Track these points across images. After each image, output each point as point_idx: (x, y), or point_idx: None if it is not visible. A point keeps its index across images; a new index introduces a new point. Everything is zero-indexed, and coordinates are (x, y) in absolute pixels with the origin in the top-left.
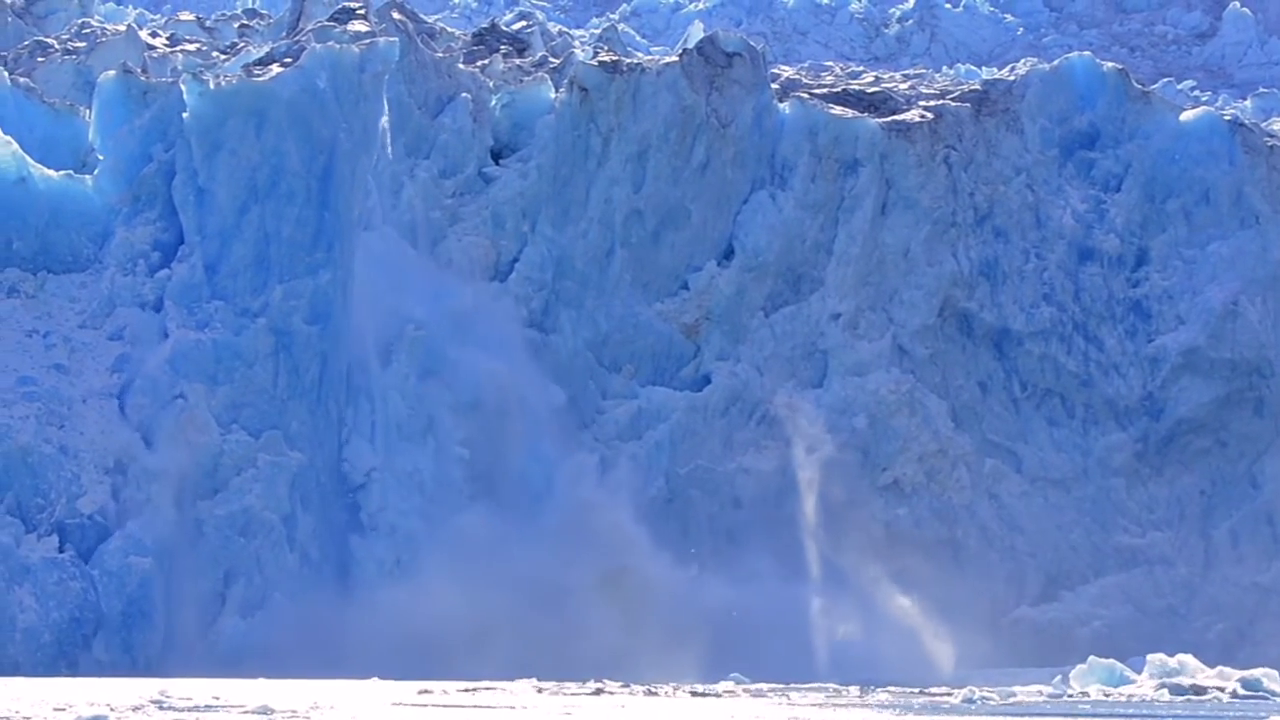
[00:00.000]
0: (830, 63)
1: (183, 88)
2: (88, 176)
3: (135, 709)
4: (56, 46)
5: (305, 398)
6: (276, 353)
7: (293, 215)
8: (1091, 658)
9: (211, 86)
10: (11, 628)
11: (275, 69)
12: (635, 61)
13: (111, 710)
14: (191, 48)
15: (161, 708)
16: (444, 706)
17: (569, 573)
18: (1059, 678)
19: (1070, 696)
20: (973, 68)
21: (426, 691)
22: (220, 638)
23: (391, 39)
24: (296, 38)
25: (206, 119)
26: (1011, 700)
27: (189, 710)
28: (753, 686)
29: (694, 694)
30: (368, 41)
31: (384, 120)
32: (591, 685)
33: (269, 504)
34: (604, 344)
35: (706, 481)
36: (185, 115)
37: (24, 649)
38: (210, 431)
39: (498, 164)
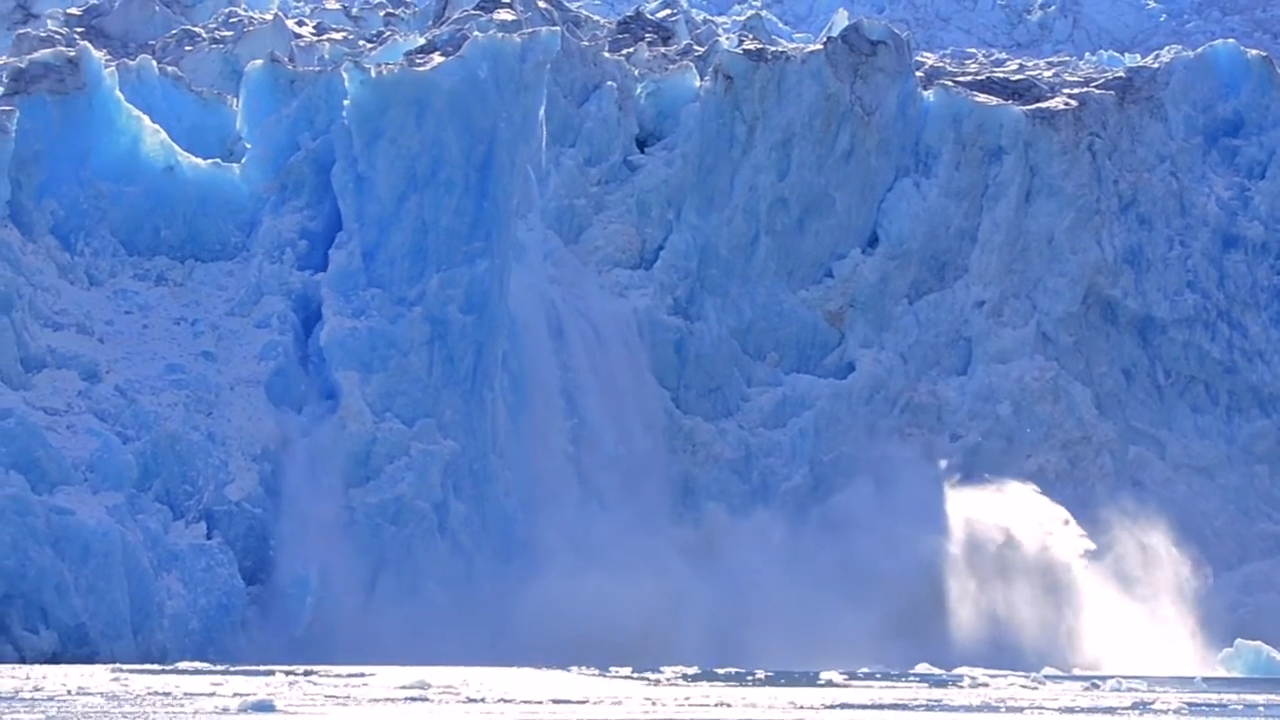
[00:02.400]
0: (973, 49)
1: (344, 76)
2: (235, 165)
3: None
4: (204, 36)
5: (459, 386)
6: (431, 341)
7: (451, 204)
8: (1239, 641)
9: (373, 75)
10: (160, 614)
11: (436, 58)
12: (780, 50)
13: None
14: (338, 36)
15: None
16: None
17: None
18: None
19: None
20: (1115, 54)
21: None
22: (371, 623)
23: (554, 28)
24: (444, 25)
25: (367, 107)
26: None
27: (344, 687)
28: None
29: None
30: (529, 31)
31: (542, 109)
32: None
33: (421, 492)
34: (748, 331)
35: (851, 468)
36: (346, 103)
37: (172, 635)
38: (364, 420)
39: (643, 152)
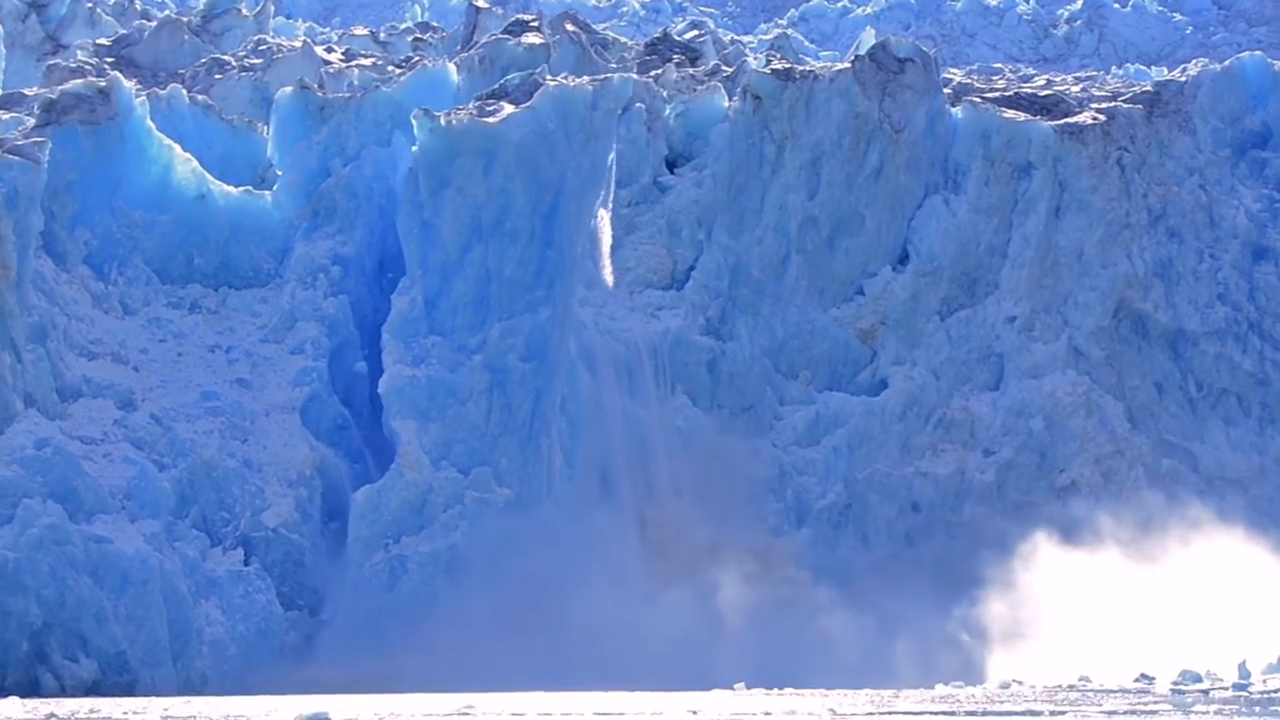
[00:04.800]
0: (1000, 64)
1: (414, 124)
2: (266, 192)
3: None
4: (233, 63)
5: (517, 434)
6: (490, 390)
7: (515, 255)
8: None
9: (442, 124)
10: (199, 640)
11: (507, 109)
12: (808, 69)
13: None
14: (367, 62)
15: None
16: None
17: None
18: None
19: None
20: (1142, 67)
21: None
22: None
23: (627, 75)
24: (472, 49)
25: (435, 155)
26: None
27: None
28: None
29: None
30: (602, 78)
31: (611, 156)
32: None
33: (474, 541)
34: (780, 350)
35: (884, 486)
36: (414, 150)
37: (211, 662)
38: (422, 469)
39: (672, 173)
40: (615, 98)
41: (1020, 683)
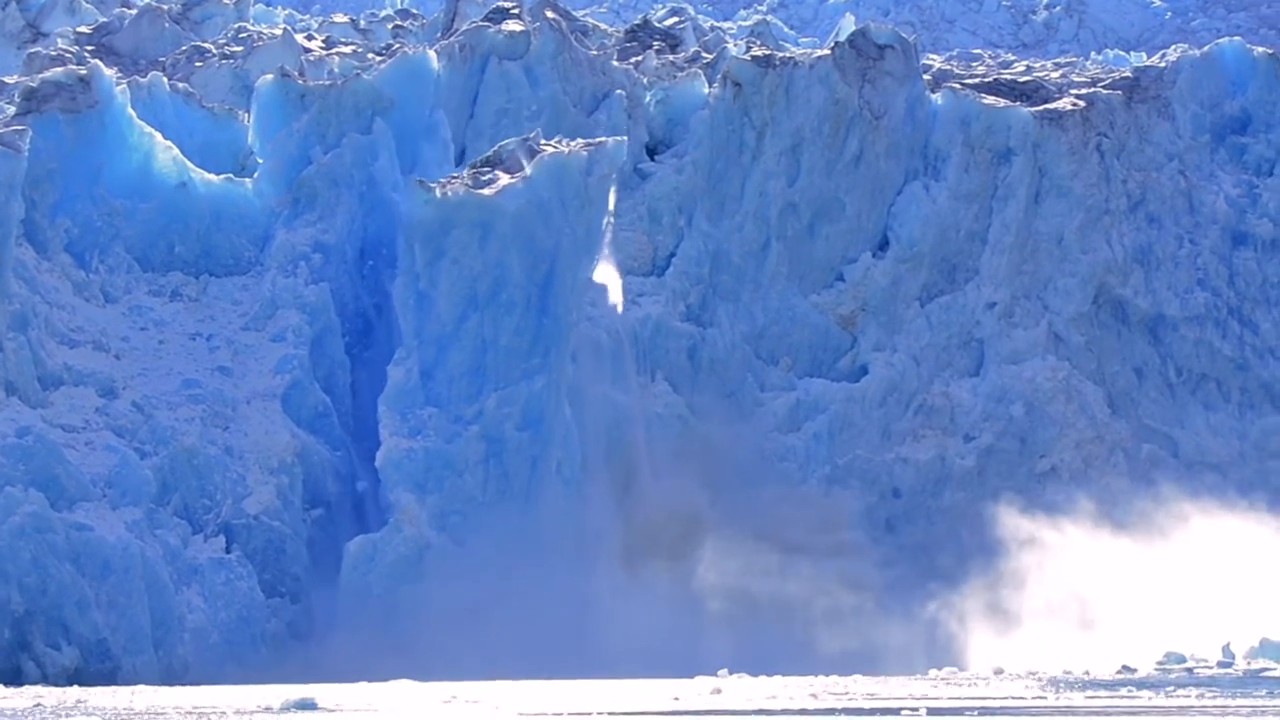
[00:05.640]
0: (979, 51)
1: (409, 192)
2: (247, 180)
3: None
4: (214, 51)
5: (514, 501)
6: (487, 460)
7: (511, 325)
8: (1263, 636)
9: (437, 195)
10: (180, 628)
11: (502, 178)
12: (788, 56)
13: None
14: (347, 50)
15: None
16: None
17: None
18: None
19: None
20: (1121, 53)
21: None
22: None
23: (620, 139)
24: (452, 37)
25: (430, 226)
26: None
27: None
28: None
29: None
30: (596, 142)
31: (606, 219)
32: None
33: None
34: (761, 337)
35: (865, 472)
36: (409, 220)
37: (192, 649)
38: (419, 526)
39: (653, 160)
40: (610, 162)
41: (1003, 671)
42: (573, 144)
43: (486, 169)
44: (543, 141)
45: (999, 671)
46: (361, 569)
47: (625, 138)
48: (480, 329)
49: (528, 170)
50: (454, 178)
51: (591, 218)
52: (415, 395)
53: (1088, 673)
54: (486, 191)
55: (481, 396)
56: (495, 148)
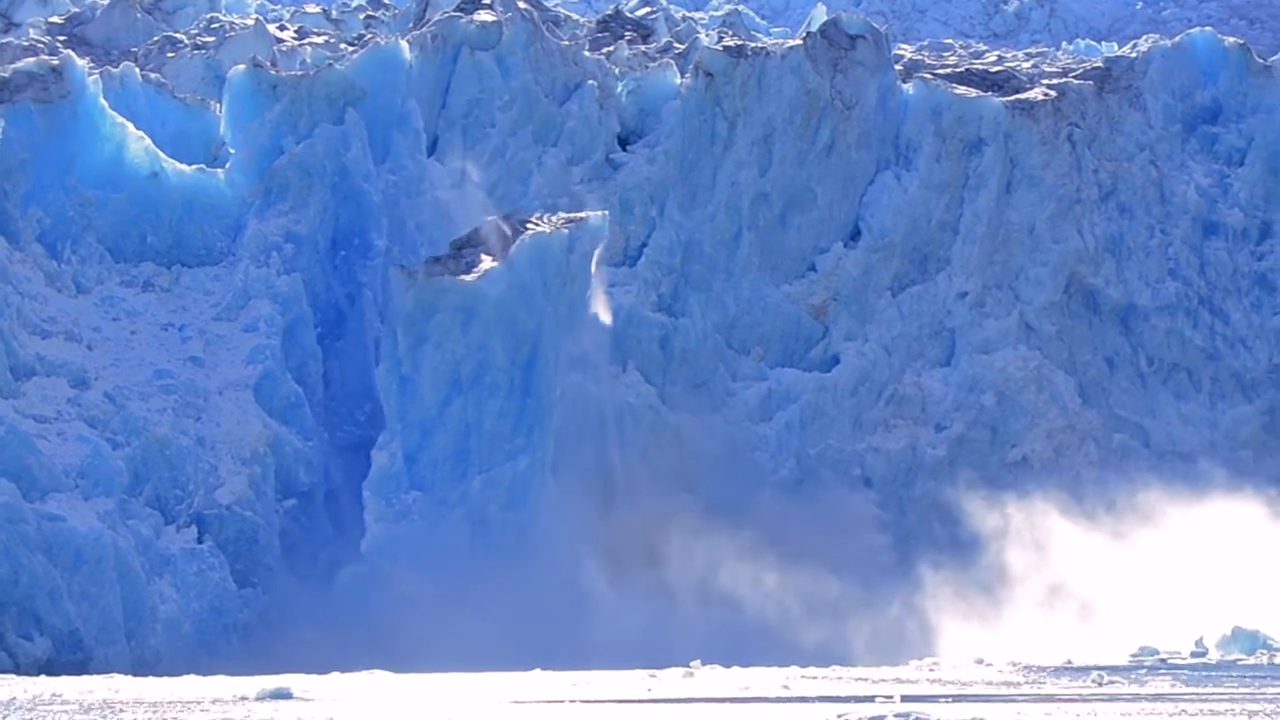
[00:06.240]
0: (950, 40)
1: (391, 277)
2: (219, 170)
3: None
4: (186, 42)
5: (499, 578)
6: (472, 542)
7: (495, 407)
8: (1235, 625)
9: (420, 280)
10: (152, 618)
11: (485, 262)
12: (760, 46)
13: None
14: (319, 40)
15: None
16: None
17: None
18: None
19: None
20: (1093, 43)
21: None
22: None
23: (601, 214)
24: (424, 27)
25: (413, 312)
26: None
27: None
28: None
29: None
30: (579, 217)
31: (589, 292)
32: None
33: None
34: (733, 327)
35: (836, 461)
36: (392, 305)
37: (165, 640)
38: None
39: (625, 150)
40: (592, 239)
41: (983, 661)
42: (555, 219)
43: (469, 249)
44: (525, 219)
45: (980, 661)
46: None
47: (606, 212)
48: (464, 412)
49: (510, 254)
50: (437, 260)
51: (574, 294)
52: (400, 480)
53: (1069, 661)
54: (469, 277)
55: (466, 479)
56: (477, 226)
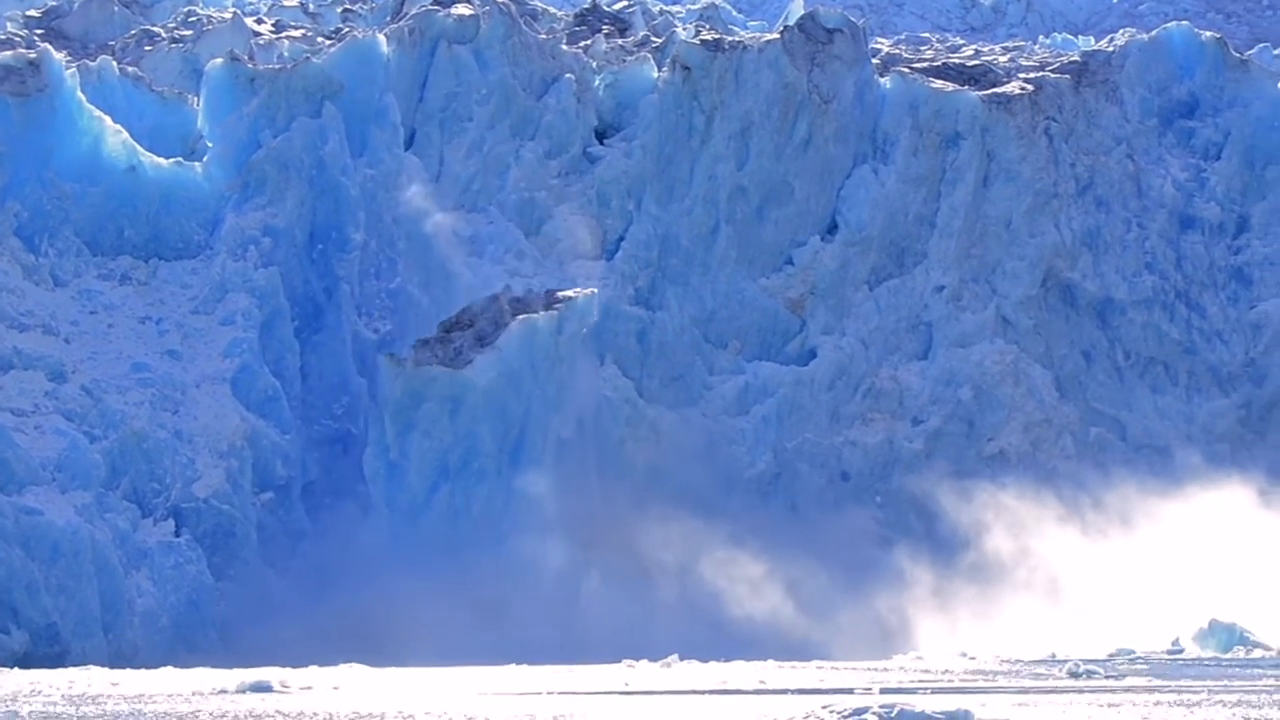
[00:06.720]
0: (927, 34)
1: (380, 363)
2: (197, 164)
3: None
4: (163, 35)
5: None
6: (451, 543)
7: (483, 493)
8: (1211, 619)
9: (408, 368)
10: (130, 611)
11: (473, 354)
12: (737, 40)
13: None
14: (297, 33)
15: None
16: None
17: None
18: (1175, 640)
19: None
20: (1069, 37)
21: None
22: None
23: (590, 292)
24: (401, 20)
25: (401, 400)
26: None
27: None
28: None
29: None
30: (568, 295)
31: (580, 374)
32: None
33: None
34: (710, 320)
35: (813, 455)
36: (380, 393)
37: (142, 633)
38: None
39: (602, 144)
40: (580, 319)
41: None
42: (540, 300)
43: (458, 330)
44: (513, 296)
45: (964, 655)
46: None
47: (595, 290)
48: (451, 498)
49: (498, 342)
50: (426, 343)
51: (563, 375)
52: (386, 561)
53: (1054, 654)
54: (459, 369)
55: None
56: (465, 307)
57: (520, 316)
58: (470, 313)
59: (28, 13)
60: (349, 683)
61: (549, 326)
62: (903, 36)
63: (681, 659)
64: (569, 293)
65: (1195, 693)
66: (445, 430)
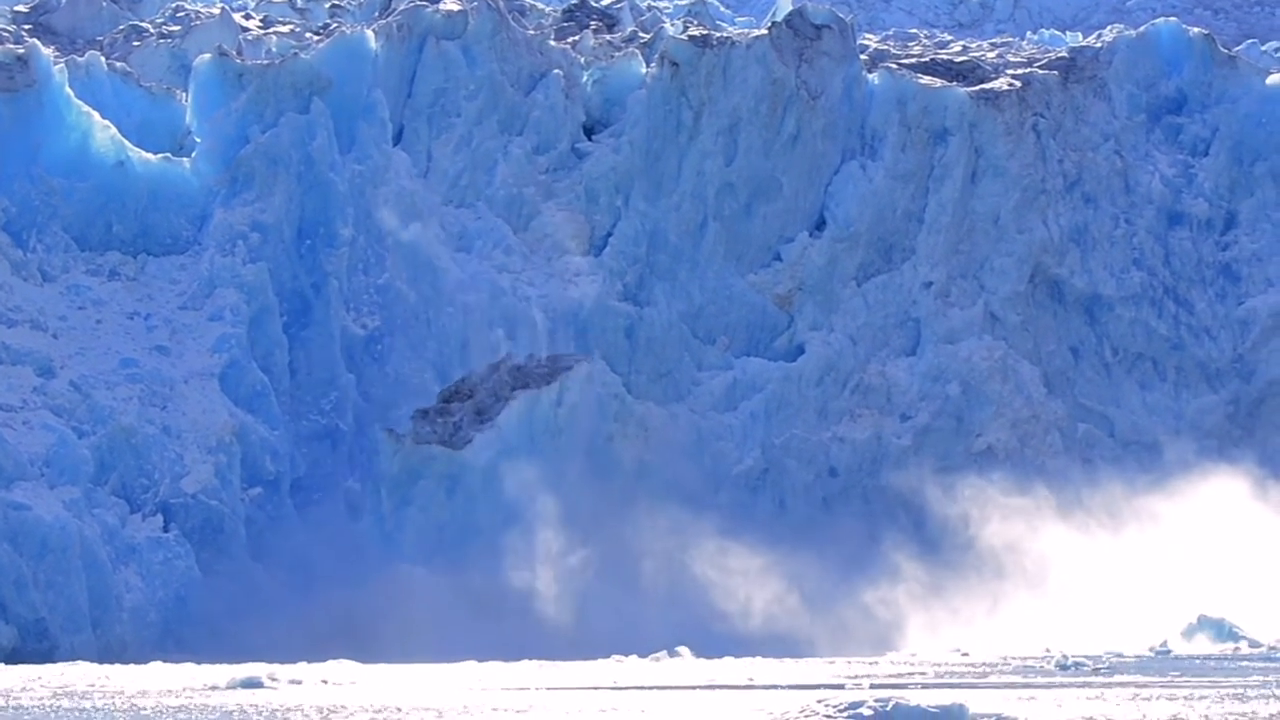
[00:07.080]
0: (915, 30)
1: (379, 440)
2: (185, 159)
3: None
4: (151, 31)
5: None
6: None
7: (482, 568)
8: (1200, 614)
9: (407, 445)
10: (118, 607)
11: (471, 431)
12: (725, 35)
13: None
14: (285, 29)
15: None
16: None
17: None
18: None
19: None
20: (1057, 33)
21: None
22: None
23: (585, 360)
24: (390, 16)
25: (398, 475)
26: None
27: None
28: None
29: None
30: (568, 365)
31: (574, 460)
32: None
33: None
34: (698, 316)
35: (801, 451)
36: (377, 465)
37: (130, 628)
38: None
39: (590, 140)
40: (579, 391)
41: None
42: (543, 369)
43: (456, 401)
44: (514, 365)
45: (958, 651)
46: None
47: (588, 360)
48: (449, 572)
49: (497, 420)
50: (425, 415)
51: (562, 445)
52: None
53: (1048, 650)
54: (456, 449)
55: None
56: (465, 376)
57: (520, 391)
58: (470, 383)
59: (15, 8)
60: (338, 678)
61: (549, 400)
62: (891, 32)
63: (670, 655)
64: (572, 360)
65: (1184, 687)
66: (442, 507)
